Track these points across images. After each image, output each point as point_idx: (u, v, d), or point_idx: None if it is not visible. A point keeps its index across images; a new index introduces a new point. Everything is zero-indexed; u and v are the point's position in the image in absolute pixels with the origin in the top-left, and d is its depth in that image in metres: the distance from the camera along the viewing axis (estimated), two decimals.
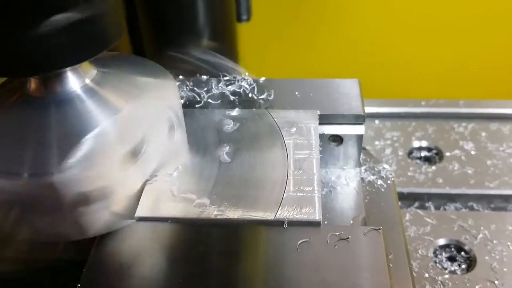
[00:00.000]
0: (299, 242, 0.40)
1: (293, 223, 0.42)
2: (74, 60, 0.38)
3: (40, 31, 0.34)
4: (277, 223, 0.42)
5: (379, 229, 0.41)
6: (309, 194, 0.44)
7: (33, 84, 0.41)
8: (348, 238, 0.41)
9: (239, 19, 0.86)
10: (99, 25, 0.38)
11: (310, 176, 0.46)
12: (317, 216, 0.42)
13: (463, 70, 1.07)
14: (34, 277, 0.54)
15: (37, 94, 0.41)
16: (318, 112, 0.52)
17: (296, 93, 0.55)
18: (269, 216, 0.42)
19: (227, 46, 0.84)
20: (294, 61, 1.07)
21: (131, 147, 0.41)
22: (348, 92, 0.55)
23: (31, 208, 0.40)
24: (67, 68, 0.40)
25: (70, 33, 0.36)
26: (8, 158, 0.38)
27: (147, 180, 0.44)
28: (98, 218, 0.42)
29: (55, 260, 0.55)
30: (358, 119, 0.52)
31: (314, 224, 0.42)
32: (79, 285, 0.39)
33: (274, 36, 1.05)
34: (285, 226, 0.42)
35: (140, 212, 0.43)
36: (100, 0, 0.37)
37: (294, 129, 0.50)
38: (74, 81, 0.41)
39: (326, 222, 0.43)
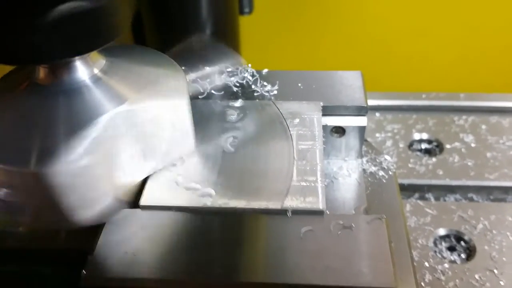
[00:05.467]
0: (302, 231, 0.41)
1: (297, 212, 0.43)
2: (83, 49, 0.38)
3: (50, 19, 0.35)
4: (281, 212, 0.43)
5: (383, 217, 0.42)
6: (312, 184, 0.45)
7: (41, 72, 0.41)
8: (352, 226, 0.41)
9: (242, 12, 0.87)
10: (109, 15, 0.38)
11: (313, 167, 0.46)
12: (321, 205, 0.43)
13: (464, 63, 1.08)
14: (35, 267, 0.55)
15: (46, 82, 0.41)
16: (321, 104, 0.52)
17: (299, 84, 0.55)
18: (274, 205, 0.43)
19: (229, 38, 0.84)
20: (296, 54, 1.07)
21: (138, 137, 0.41)
22: (350, 83, 0.55)
23: (37, 197, 0.41)
24: (76, 58, 0.40)
25: (80, 22, 0.36)
26: (15, 147, 0.39)
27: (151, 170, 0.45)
28: (104, 207, 0.42)
29: (55, 249, 0.55)
30: (361, 110, 0.53)
31: (318, 213, 0.43)
32: (84, 271, 0.39)
33: (276, 29, 1.05)
34: (289, 214, 0.42)
35: (145, 201, 0.43)
36: None
37: (297, 120, 0.51)
38: (83, 70, 0.41)
39: (328, 212, 0.44)
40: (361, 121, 0.53)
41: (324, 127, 0.53)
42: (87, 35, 0.38)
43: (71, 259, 0.49)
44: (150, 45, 0.82)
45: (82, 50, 0.39)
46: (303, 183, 0.45)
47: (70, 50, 0.38)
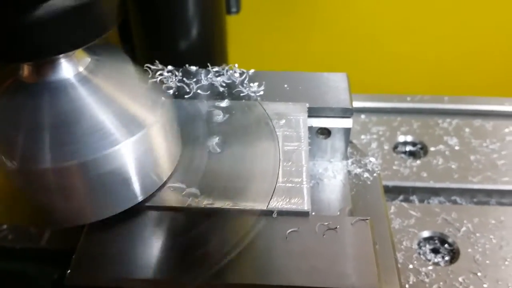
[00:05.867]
0: (288, 231, 0.41)
1: (283, 213, 0.43)
2: (68, 47, 0.38)
3: (34, 17, 0.34)
4: (267, 213, 0.42)
5: (367, 219, 0.42)
6: (298, 185, 0.45)
7: (26, 70, 0.41)
8: (336, 228, 0.41)
9: (229, 12, 0.86)
10: (94, 12, 0.38)
11: (299, 168, 0.46)
12: (306, 206, 0.43)
13: (449, 66, 1.09)
14: (20, 267, 0.54)
15: (30, 80, 0.41)
16: (307, 105, 0.52)
17: (285, 85, 0.55)
18: (260, 206, 0.43)
19: (216, 38, 0.84)
20: (283, 54, 1.07)
21: (124, 134, 0.41)
22: (336, 85, 0.55)
23: (23, 195, 0.40)
24: (61, 56, 0.40)
25: (64, 20, 0.36)
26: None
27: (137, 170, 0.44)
28: (87, 207, 0.42)
29: (41, 249, 0.55)
30: (346, 112, 0.53)
31: (303, 214, 0.43)
32: (69, 271, 0.39)
33: (263, 29, 1.05)
34: (274, 215, 0.42)
35: (130, 201, 0.43)
36: None
37: (283, 121, 0.51)
38: (68, 68, 0.41)
39: (313, 213, 0.44)
40: (347, 123, 0.53)
41: (310, 128, 0.53)
42: (72, 33, 0.38)
43: (56, 259, 0.49)
44: (137, 44, 0.82)
45: (67, 47, 0.39)
46: (289, 184, 0.45)
47: (56, 47, 0.38)
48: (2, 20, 0.34)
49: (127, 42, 0.82)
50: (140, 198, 0.43)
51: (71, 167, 0.39)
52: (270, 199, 0.43)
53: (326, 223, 0.42)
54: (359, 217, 0.42)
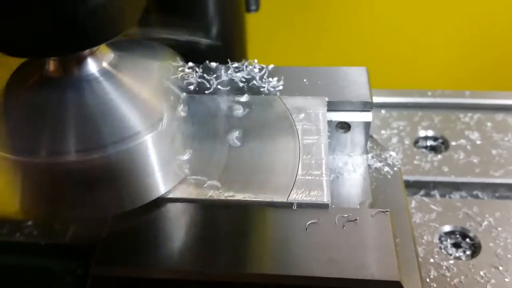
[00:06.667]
0: (307, 223, 0.41)
1: (302, 205, 0.43)
2: (93, 42, 0.39)
3: (60, 12, 0.35)
4: (287, 205, 0.43)
5: (387, 211, 0.42)
6: (317, 178, 0.45)
7: (52, 65, 0.42)
8: (356, 219, 0.42)
9: (248, 10, 0.87)
10: (118, 7, 0.39)
11: (318, 161, 0.47)
12: (325, 198, 0.43)
13: (470, 61, 1.08)
14: (45, 263, 0.55)
15: (56, 75, 0.42)
16: (326, 99, 0.53)
17: (305, 80, 0.56)
18: (280, 198, 0.43)
19: (236, 36, 0.85)
20: (302, 51, 1.08)
21: (147, 127, 0.41)
22: (356, 79, 0.55)
23: (49, 188, 0.42)
24: (86, 51, 0.41)
25: (90, 15, 0.37)
26: (27, 138, 0.39)
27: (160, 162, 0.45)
28: (112, 198, 0.43)
29: (65, 245, 0.56)
30: (366, 106, 0.53)
31: (323, 206, 0.43)
32: (94, 261, 0.40)
33: (282, 26, 1.05)
34: (294, 207, 0.43)
35: (153, 193, 0.44)
36: None
37: (302, 115, 0.51)
38: (92, 63, 0.42)
39: (333, 207, 0.44)
40: (366, 116, 0.53)
41: (330, 122, 0.53)
42: (99, 28, 0.39)
43: (79, 254, 0.50)
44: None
45: (93, 42, 0.40)
46: (308, 177, 0.45)
47: (82, 42, 0.39)
48: (32, 16, 0.35)
49: None
50: (163, 190, 0.44)
51: (96, 160, 0.40)
52: (290, 192, 0.44)
53: (346, 215, 0.42)
54: (379, 209, 0.42)
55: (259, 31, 0.98)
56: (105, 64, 0.43)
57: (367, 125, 0.54)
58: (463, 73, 1.09)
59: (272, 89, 0.55)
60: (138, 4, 0.42)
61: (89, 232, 0.53)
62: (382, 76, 0.90)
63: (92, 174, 0.41)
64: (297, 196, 0.43)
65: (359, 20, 1.04)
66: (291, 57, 1.08)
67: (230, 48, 0.83)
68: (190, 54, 0.64)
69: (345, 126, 0.54)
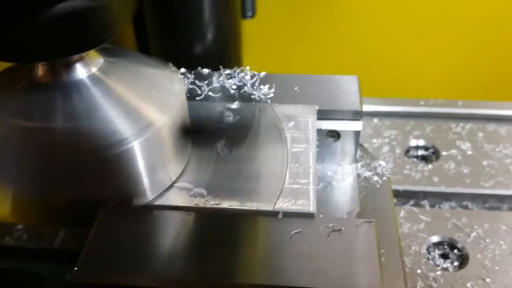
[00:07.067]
0: (292, 232, 0.41)
1: (288, 214, 0.43)
2: (81, 47, 0.39)
3: (49, 17, 0.35)
4: (273, 214, 0.43)
5: (372, 221, 0.42)
6: (304, 187, 0.45)
7: (40, 70, 0.42)
8: (341, 229, 0.42)
9: (244, 16, 0.87)
10: (108, 13, 0.39)
11: (306, 169, 0.47)
12: (312, 207, 0.43)
13: (463, 70, 1.08)
14: (34, 267, 0.55)
15: (44, 80, 0.42)
16: (317, 107, 0.53)
17: (296, 88, 0.56)
18: (266, 207, 0.43)
19: (231, 42, 0.85)
20: (297, 58, 1.08)
21: (134, 133, 0.42)
22: (347, 88, 0.55)
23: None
24: (75, 56, 0.41)
25: (79, 20, 0.37)
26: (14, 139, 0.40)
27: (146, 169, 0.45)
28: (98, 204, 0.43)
29: (55, 249, 0.56)
30: (356, 115, 0.53)
31: (309, 215, 0.43)
32: (75, 269, 0.40)
33: (278, 33, 1.05)
34: (280, 216, 0.43)
35: (138, 200, 0.44)
36: None
37: (292, 123, 0.51)
38: (81, 69, 0.42)
39: (321, 216, 0.44)
40: (356, 125, 0.53)
41: (320, 131, 0.53)
42: (89, 33, 0.39)
43: (68, 259, 0.50)
44: (153, 48, 0.83)
45: (83, 47, 0.40)
46: (295, 186, 0.45)
47: (71, 47, 0.39)
48: (19, 20, 0.35)
49: (143, 45, 0.84)
50: (149, 197, 0.44)
51: (82, 164, 0.40)
52: (277, 200, 0.44)
53: (331, 225, 0.42)
54: (364, 219, 0.42)
55: (255, 38, 0.98)
56: (94, 70, 0.43)
57: (357, 134, 0.54)
58: (458, 82, 1.10)
59: (263, 97, 0.55)
60: (127, 9, 0.42)
61: (80, 237, 0.53)
62: (378, 85, 0.90)
63: (78, 178, 0.41)
64: (283, 204, 0.43)
65: (355, 28, 1.04)
66: (286, 64, 1.08)
67: (225, 55, 0.83)
68: (184, 60, 0.64)
69: (335, 135, 0.54)
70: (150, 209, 0.44)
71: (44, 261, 0.56)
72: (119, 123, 0.41)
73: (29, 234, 0.57)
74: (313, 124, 0.51)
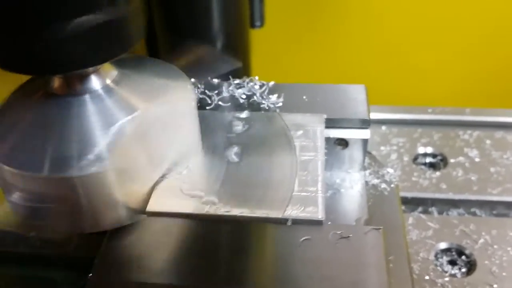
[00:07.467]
0: (301, 239, 0.42)
1: (297, 222, 0.44)
2: (96, 60, 0.40)
3: (65, 32, 0.36)
4: (282, 221, 0.44)
5: (380, 228, 0.43)
6: (313, 194, 0.46)
7: (56, 82, 0.43)
8: (349, 236, 0.42)
9: (253, 26, 0.88)
10: (122, 27, 0.40)
11: (314, 177, 0.47)
12: (320, 215, 0.44)
13: (470, 77, 1.09)
14: (47, 273, 0.56)
15: (60, 92, 0.43)
16: (325, 116, 0.53)
17: (304, 97, 0.57)
18: (275, 214, 0.44)
19: (240, 52, 0.86)
20: (306, 68, 1.09)
21: (148, 145, 0.43)
22: (354, 97, 0.56)
23: (50, 202, 0.43)
24: (89, 68, 0.42)
25: (94, 35, 0.38)
26: (30, 153, 0.41)
27: (159, 178, 0.46)
28: (113, 213, 0.44)
29: (68, 256, 0.57)
30: (364, 123, 0.54)
31: (317, 223, 0.44)
32: (90, 275, 0.41)
33: (286, 43, 1.07)
34: (289, 223, 0.43)
35: (150, 207, 0.45)
36: (124, 2, 0.39)
37: (300, 132, 0.52)
38: (96, 81, 0.43)
39: (329, 223, 0.45)
40: (364, 133, 0.54)
41: (328, 139, 0.54)
42: (101, 47, 0.40)
43: (81, 265, 0.51)
44: (163, 57, 0.84)
45: (95, 61, 0.41)
46: (304, 193, 0.46)
47: (84, 61, 0.40)
48: (35, 35, 0.37)
49: (154, 56, 0.85)
50: (160, 205, 0.45)
51: (94, 174, 0.41)
52: (286, 208, 0.44)
53: (339, 232, 0.43)
54: (372, 227, 0.43)
55: (264, 48, 0.99)
56: (108, 81, 0.44)
57: (364, 142, 0.54)
58: (466, 89, 1.10)
59: (272, 106, 0.56)
60: (139, 22, 0.43)
61: (92, 244, 0.54)
62: (386, 92, 0.91)
63: (91, 190, 0.42)
64: (292, 212, 0.44)
65: (363, 37, 1.05)
66: (295, 73, 1.09)
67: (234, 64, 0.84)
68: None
69: (343, 143, 0.55)
70: (162, 216, 0.45)
71: (57, 268, 0.57)
72: (130, 133, 0.42)
73: (42, 241, 0.59)
74: (322, 132, 0.52)
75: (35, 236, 0.59)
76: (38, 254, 0.57)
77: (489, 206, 0.62)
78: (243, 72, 0.84)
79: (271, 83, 0.58)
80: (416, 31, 1.03)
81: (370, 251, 0.41)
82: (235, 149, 0.51)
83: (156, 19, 0.81)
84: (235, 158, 0.50)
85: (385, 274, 0.39)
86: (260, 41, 0.95)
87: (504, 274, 0.53)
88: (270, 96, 0.56)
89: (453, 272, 0.55)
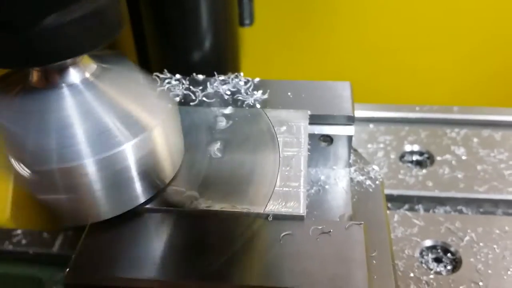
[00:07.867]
0: (282, 234, 0.42)
1: (278, 217, 0.43)
2: (75, 52, 0.40)
3: (44, 24, 0.36)
4: (263, 216, 0.43)
5: (361, 223, 0.43)
6: (295, 190, 0.45)
7: (35, 76, 0.43)
8: (330, 231, 0.42)
9: (242, 24, 0.88)
10: (101, 18, 0.39)
11: (297, 173, 0.47)
12: (301, 210, 0.43)
13: (463, 77, 1.09)
14: (33, 272, 0.56)
15: (39, 86, 0.43)
16: (309, 112, 0.53)
17: (289, 93, 0.56)
18: (257, 209, 0.43)
19: (229, 50, 0.86)
20: (295, 66, 1.09)
21: (127, 136, 0.42)
22: (339, 94, 0.56)
23: (31, 196, 0.42)
24: (68, 62, 0.42)
25: (72, 25, 0.37)
26: (10, 147, 0.40)
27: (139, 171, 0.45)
28: (91, 207, 0.43)
29: (53, 254, 0.57)
30: (348, 120, 0.53)
31: (298, 218, 0.43)
32: (67, 270, 0.40)
33: (276, 41, 1.06)
34: (270, 219, 0.43)
35: (131, 202, 0.44)
36: None
37: (284, 128, 0.52)
38: (75, 74, 0.43)
39: (313, 219, 0.44)
40: (349, 130, 0.54)
41: (313, 135, 0.53)
42: (80, 39, 0.39)
43: (67, 263, 0.50)
44: (151, 54, 0.84)
45: (74, 52, 0.40)
46: (286, 189, 0.46)
47: (63, 53, 0.39)
48: (14, 27, 0.36)
49: (143, 53, 0.85)
50: (141, 200, 0.44)
51: (76, 168, 0.40)
52: (267, 203, 0.44)
53: (320, 227, 0.42)
54: (353, 222, 0.43)
55: (253, 46, 0.99)
56: (87, 75, 0.44)
57: (349, 138, 0.54)
58: (457, 88, 1.10)
59: (256, 102, 0.55)
60: (116, 16, 0.43)
61: (77, 242, 0.54)
62: (374, 91, 0.91)
63: (72, 182, 0.41)
64: (274, 207, 0.44)
65: (352, 36, 1.05)
66: (284, 71, 1.09)
67: (223, 63, 0.84)
68: (182, 67, 0.65)
69: (328, 140, 0.55)
70: (142, 211, 0.44)
71: (43, 265, 0.57)
72: (111, 126, 0.42)
73: (28, 239, 0.58)
74: (305, 128, 0.52)
75: (20, 234, 0.59)
76: (24, 252, 0.57)
77: (476, 204, 0.61)
78: (231, 69, 0.83)
79: (256, 79, 0.58)
80: (406, 31, 1.03)
81: (351, 246, 0.41)
82: (218, 144, 0.50)
83: (145, 19, 0.81)
84: (218, 154, 0.49)
85: (365, 268, 0.39)
86: (249, 39, 0.95)
87: (489, 271, 0.53)
88: (255, 92, 0.56)
89: (438, 269, 0.54)
